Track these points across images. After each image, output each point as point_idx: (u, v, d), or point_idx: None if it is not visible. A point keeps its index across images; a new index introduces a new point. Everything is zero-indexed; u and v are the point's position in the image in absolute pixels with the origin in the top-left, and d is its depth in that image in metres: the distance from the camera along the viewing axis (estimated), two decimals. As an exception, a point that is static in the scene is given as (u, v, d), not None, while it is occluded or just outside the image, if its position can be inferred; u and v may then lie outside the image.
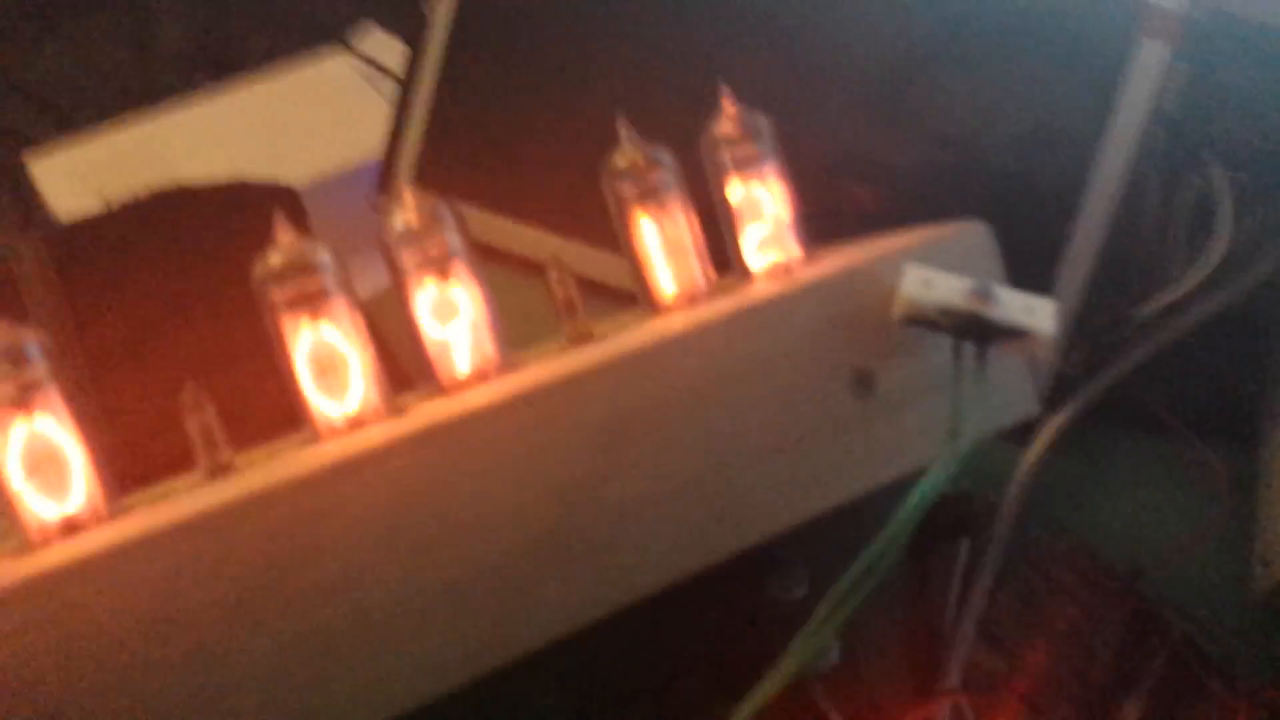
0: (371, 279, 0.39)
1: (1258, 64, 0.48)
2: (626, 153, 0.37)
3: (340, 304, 0.31)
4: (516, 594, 0.29)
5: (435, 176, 0.50)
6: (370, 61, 0.71)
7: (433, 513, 0.28)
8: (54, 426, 0.29)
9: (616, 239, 0.38)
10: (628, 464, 0.31)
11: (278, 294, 0.31)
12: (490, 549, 0.29)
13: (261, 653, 0.26)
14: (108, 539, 0.26)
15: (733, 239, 0.40)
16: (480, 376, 0.34)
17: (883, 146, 0.47)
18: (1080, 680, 0.39)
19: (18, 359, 0.28)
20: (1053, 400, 0.45)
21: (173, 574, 0.26)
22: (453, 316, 0.33)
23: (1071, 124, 0.45)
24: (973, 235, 0.38)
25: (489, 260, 0.49)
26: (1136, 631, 0.40)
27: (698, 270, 0.38)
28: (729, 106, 0.39)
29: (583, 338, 0.36)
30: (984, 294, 0.34)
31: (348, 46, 0.71)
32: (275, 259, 0.31)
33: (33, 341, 0.29)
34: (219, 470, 0.30)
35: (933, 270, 0.34)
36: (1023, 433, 0.44)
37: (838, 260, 0.37)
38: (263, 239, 0.31)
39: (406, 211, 0.33)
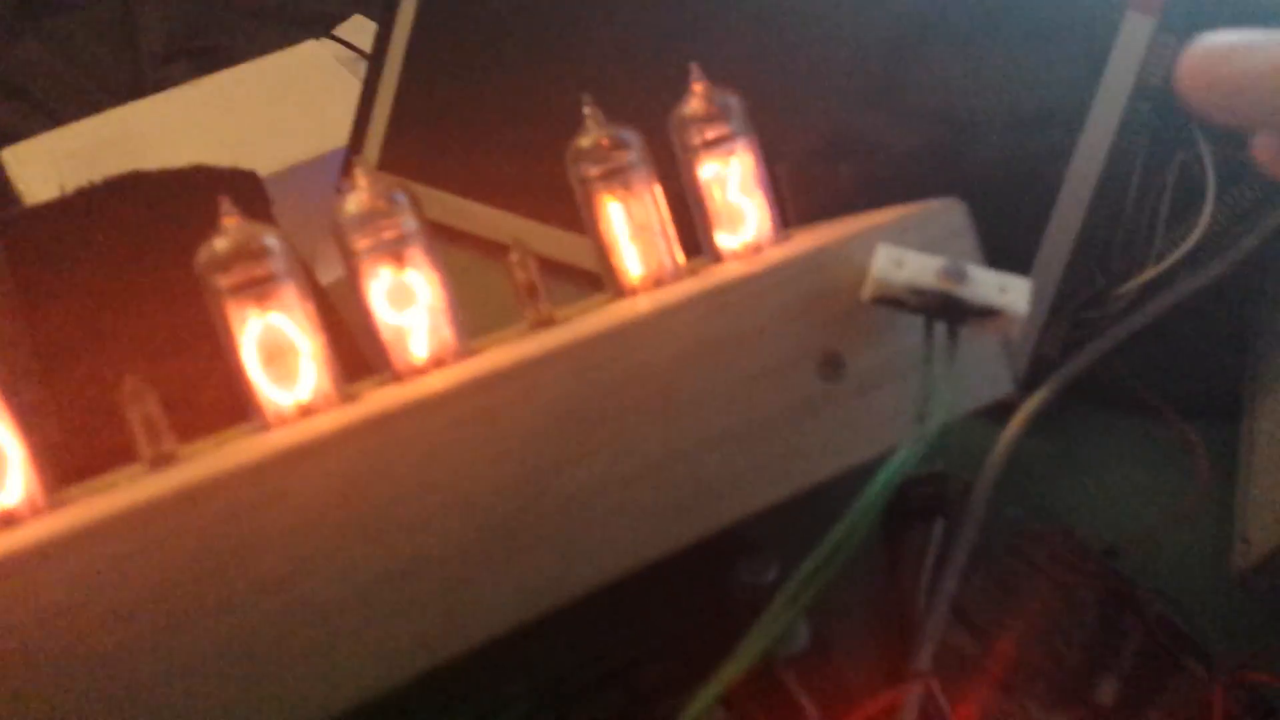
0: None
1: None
2: (591, 134, 0.37)
3: (290, 290, 0.30)
4: (472, 582, 0.28)
5: (401, 159, 0.50)
6: (350, 45, 0.70)
7: (384, 501, 0.28)
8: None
9: (583, 220, 0.38)
10: (589, 449, 0.30)
11: (223, 280, 0.30)
12: (444, 537, 0.28)
13: (205, 646, 0.26)
14: (44, 532, 0.25)
15: (703, 220, 0.39)
16: (437, 363, 0.33)
17: (861, 124, 0.47)
18: (1055, 661, 0.39)
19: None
20: (1031, 379, 0.44)
21: (111, 567, 0.25)
22: (408, 301, 0.33)
23: (1056, 100, 0.45)
24: (948, 213, 0.37)
25: (454, 243, 0.49)
26: (1113, 611, 0.40)
27: (665, 252, 0.37)
28: (698, 84, 0.38)
29: (545, 322, 0.35)
30: (956, 273, 0.33)
31: (332, 37, 0.71)
32: (220, 244, 0.30)
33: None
34: (162, 460, 0.30)
35: (905, 249, 0.34)
36: (1000, 412, 0.43)
37: (808, 240, 0.37)
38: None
39: (359, 194, 0.32)
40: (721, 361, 0.32)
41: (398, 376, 0.33)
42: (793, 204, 0.42)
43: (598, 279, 0.39)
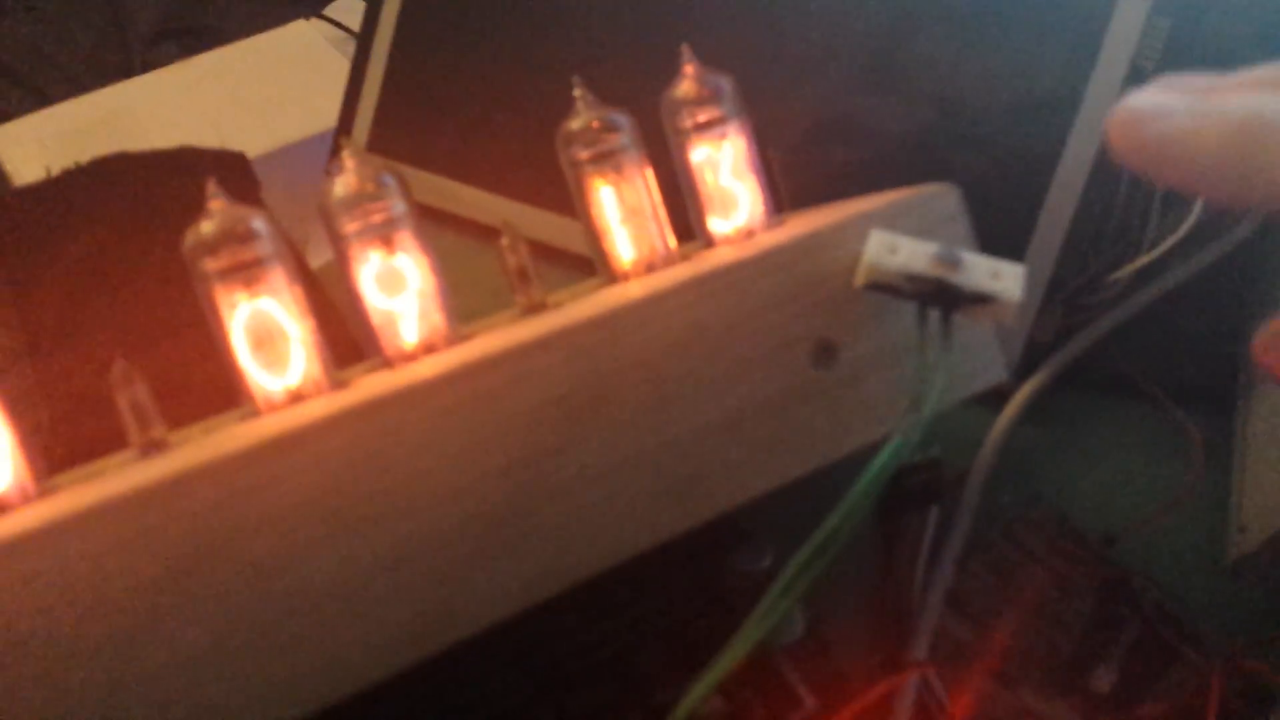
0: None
1: (1238, 18, 0.47)
2: (581, 116, 0.36)
3: (278, 274, 0.30)
4: (462, 572, 0.28)
5: (390, 141, 0.49)
6: (340, 25, 0.70)
7: (375, 489, 0.28)
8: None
9: (574, 204, 0.37)
10: (580, 437, 0.30)
11: (210, 264, 0.30)
12: (435, 526, 0.28)
13: (194, 635, 0.25)
14: (33, 519, 0.25)
15: (695, 204, 0.39)
16: (428, 348, 0.33)
17: (855, 109, 0.46)
18: (1051, 649, 0.39)
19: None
20: (1025, 366, 0.44)
21: (100, 555, 0.25)
22: (398, 286, 0.32)
23: (1050, 85, 0.44)
24: (941, 198, 0.36)
25: (444, 227, 0.49)
26: (1109, 600, 0.40)
27: (657, 237, 0.37)
28: (689, 66, 0.38)
29: (536, 307, 0.35)
30: (949, 259, 0.33)
31: (322, 17, 0.70)
32: (206, 228, 0.30)
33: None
34: (152, 447, 0.29)
35: (898, 235, 0.33)
36: (995, 399, 0.43)
37: (801, 225, 0.36)
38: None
39: (347, 176, 0.32)
40: (714, 347, 0.32)
41: (388, 362, 0.33)
42: (786, 188, 0.42)
43: (589, 263, 0.38)
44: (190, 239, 0.30)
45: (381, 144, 0.50)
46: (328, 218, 0.32)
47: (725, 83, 0.38)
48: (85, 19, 0.88)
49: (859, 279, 0.33)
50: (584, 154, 0.36)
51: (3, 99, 0.81)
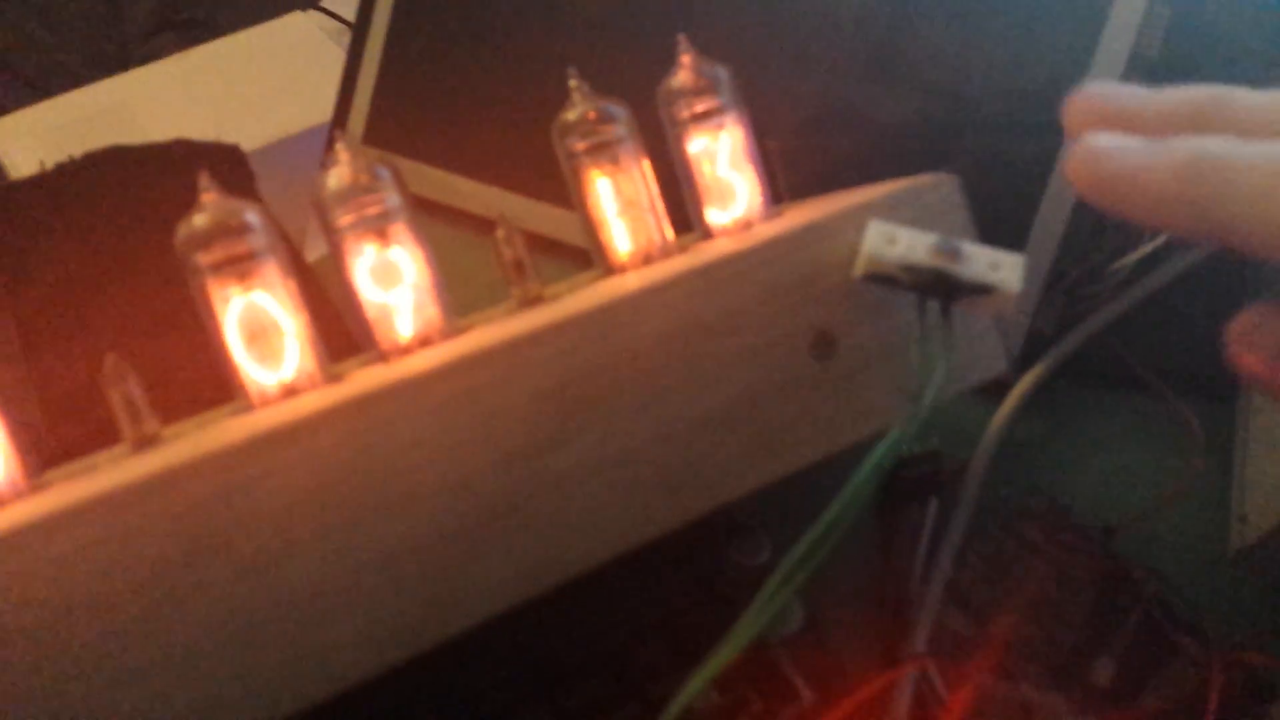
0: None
1: (1238, 6, 0.46)
2: (577, 107, 0.36)
3: (272, 267, 0.30)
4: (459, 567, 0.28)
5: (386, 133, 0.49)
6: (336, 16, 0.69)
7: (370, 483, 0.27)
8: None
9: (570, 196, 0.37)
10: (578, 429, 0.30)
11: (203, 257, 0.29)
12: (430, 520, 0.28)
13: (186, 631, 0.25)
14: (23, 515, 0.25)
15: (692, 195, 0.38)
16: (423, 342, 0.32)
17: (854, 98, 0.46)
18: (1051, 642, 0.39)
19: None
20: (1025, 357, 0.44)
21: (93, 550, 0.25)
22: (393, 279, 0.32)
23: (1051, 73, 0.44)
24: (941, 188, 0.36)
25: (440, 219, 0.48)
26: (1109, 592, 0.40)
27: (654, 229, 0.37)
28: (686, 56, 0.38)
29: (532, 300, 0.35)
30: (948, 250, 0.33)
31: (318, 8, 0.70)
32: (198, 221, 0.29)
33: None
34: (144, 442, 0.29)
35: (897, 225, 0.33)
36: (995, 390, 0.43)
37: (800, 216, 0.36)
38: (202, 200, 0.30)
39: (341, 168, 0.31)
40: (712, 340, 0.32)
41: (383, 356, 0.33)
42: (784, 179, 0.42)
43: (586, 256, 0.38)
44: (183, 232, 0.30)
45: (377, 136, 0.49)
46: (322, 211, 0.32)
47: (722, 73, 0.38)
48: (82, 12, 0.87)
49: (858, 270, 0.33)
50: (580, 145, 0.36)
51: (-1, 92, 0.81)
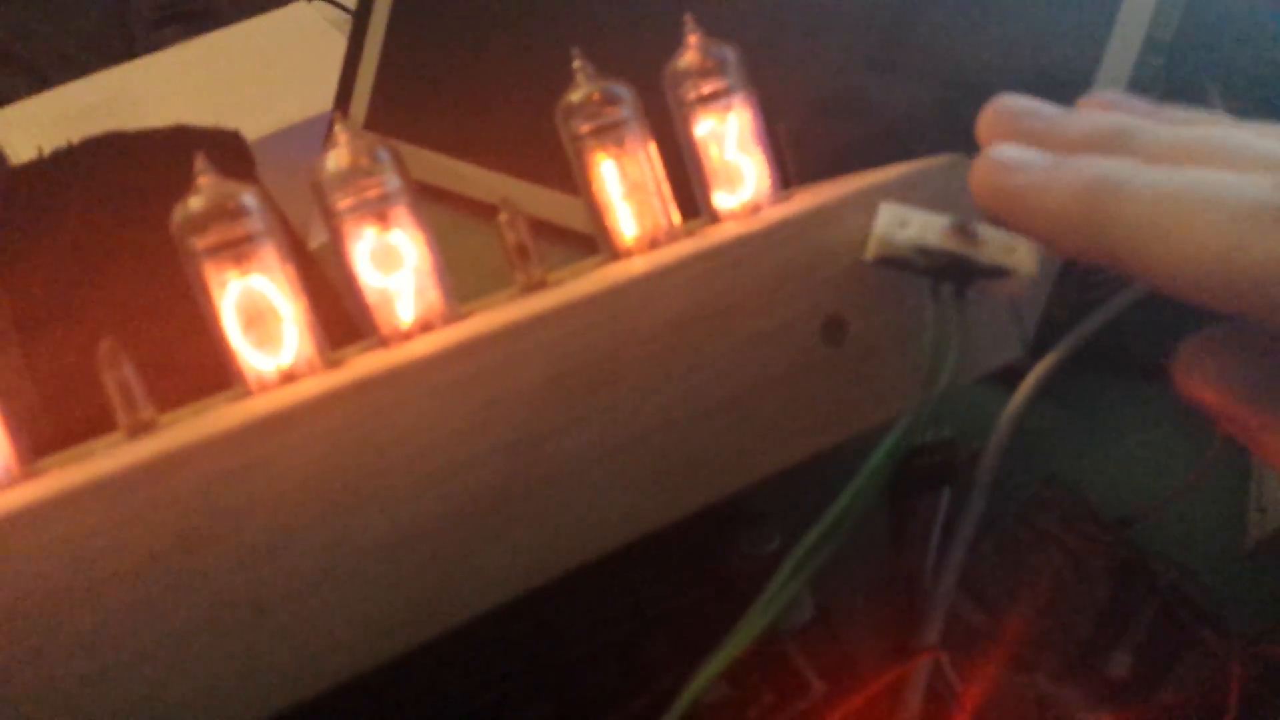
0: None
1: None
2: (581, 88, 0.35)
3: (270, 251, 0.29)
4: (460, 556, 0.27)
5: (388, 118, 0.48)
6: (339, 5, 0.69)
7: (370, 470, 0.27)
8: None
9: (575, 180, 0.36)
10: (582, 416, 0.29)
11: (199, 241, 0.29)
12: (431, 508, 0.27)
13: (184, 620, 0.25)
14: (17, 501, 0.24)
15: (699, 178, 0.38)
16: (424, 327, 0.32)
17: (865, 81, 0.45)
18: (1066, 633, 0.38)
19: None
20: (1040, 343, 0.43)
21: (88, 538, 0.24)
22: (394, 263, 0.31)
23: (1065, 55, 0.43)
24: (953, 170, 0.35)
25: (442, 204, 0.48)
26: (1125, 582, 0.39)
27: (660, 212, 0.36)
28: (693, 36, 0.37)
29: (536, 285, 0.34)
30: (963, 232, 0.32)
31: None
32: (194, 203, 0.29)
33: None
34: (140, 428, 0.29)
35: (909, 208, 0.32)
36: (1009, 377, 0.42)
37: (809, 199, 0.35)
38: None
39: (340, 150, 0.31)
40: (720, 325, 0.31)
41: (384, 341, 0.32)
42: (793, 162, 0.41)
43: (591, 242, 0.37)
44: (178, 215, 0.29)
45: (379, 121, 0.49)
46: (320, 194, 0.31)
47: (730, 53, 0.37)
48: (87, 3, 0.87)
49: (869, 253, 0.32)
50: (585, 127, 0.35)
51: (3, 82, 0.80)
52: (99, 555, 0.24)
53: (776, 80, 0.39)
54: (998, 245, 0.32)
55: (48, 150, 0.41)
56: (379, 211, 0.31)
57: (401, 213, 0.31)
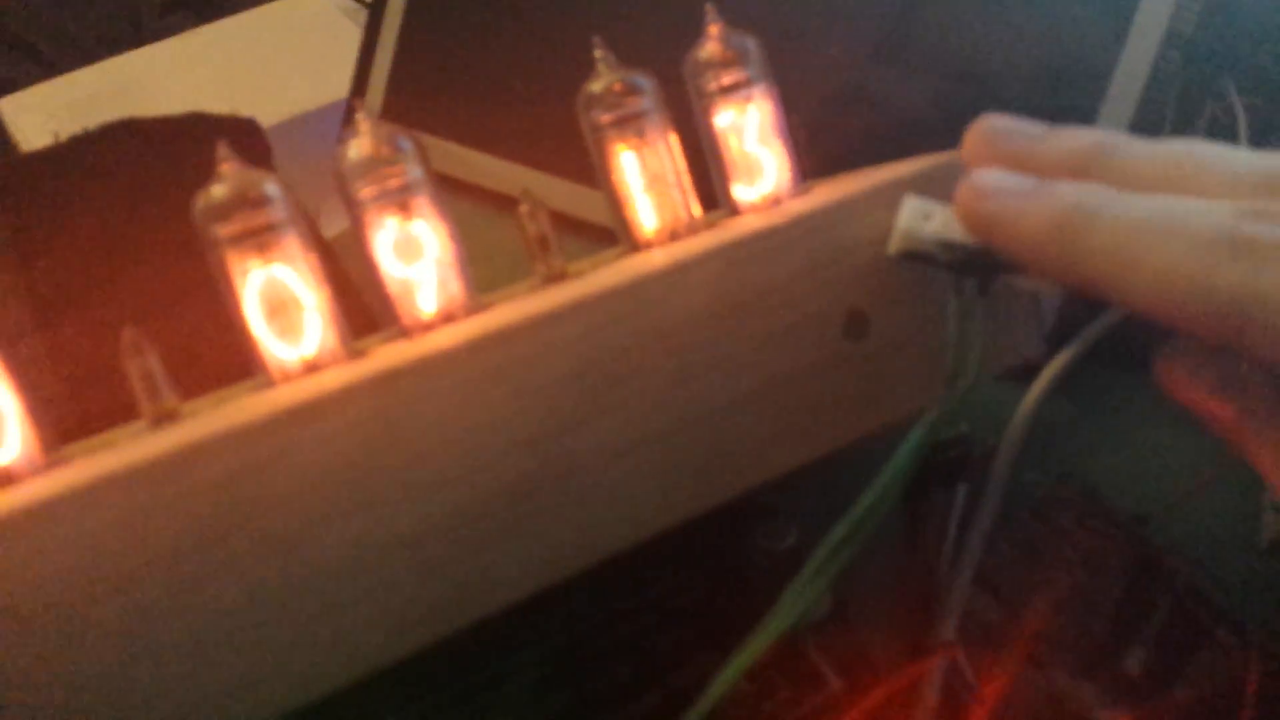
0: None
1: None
2: (602, 78, 0.35)
3: (292, 240, 0.29)
4: (482, 549, 0.27)
5: (404, 108, 0.48)
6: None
7: (392, 461, 0.27)
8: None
9: (594, 172, 0.36)
10: (603, 409, 0.29)
11: (222, 229, 0.29)
12: (452, 500, 0.27)
13: (207, 613, 0.25)
14: (41, 491, 0.24)
15: (720, 170, 0.38)
16: (446, 318, 0.32)
17: (883, 75, 0.45)
18: (1082, 630, 0.38)
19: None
20: (1057, 338, 0.43)
21: (111, 528, 0.24)
22: (415, 254, 0.31)
23: (1083, 49, 0.43)
24: (972, 165, 0.35)
25: (462, 196, 0.48)
26: (1141, 579, 0.39)
27: (681, 205, 0.36)
28: (714, 27, 0.37)
29: (557, 277, 0.34)
30: (986, 227, 0.32)
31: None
32: (217, 191, 0.29)
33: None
34: (163, 418, 0.29)
35: (933, 202, 0.32)
36: (1025, 372, 0.42)
37: (831, 192, 0.35)
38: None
39: (362, 139, 0.31)
40: (740, 319, 0.31)
41: (405, 332, 0.32)
42: (814, 154, 0.41)
43: (611, 235, 0.37)
44: (201, 203, 0.29)
45: (396, 112, 0.49)
46: (342, 182, 0.31)
47: (751, 44, 0.37)
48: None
49: (892, 247, 0.32)
50: (605, 118, 0.35)
51: (12, 68, 0.80)
52: (123, 546, 0.24)
53: (797, 70, 0.39)
54: (1021, 240, 0.32)
55: (63, 136, 0.41)
56: (401, 201, 0.31)
57: (423, 203, 0.31)
